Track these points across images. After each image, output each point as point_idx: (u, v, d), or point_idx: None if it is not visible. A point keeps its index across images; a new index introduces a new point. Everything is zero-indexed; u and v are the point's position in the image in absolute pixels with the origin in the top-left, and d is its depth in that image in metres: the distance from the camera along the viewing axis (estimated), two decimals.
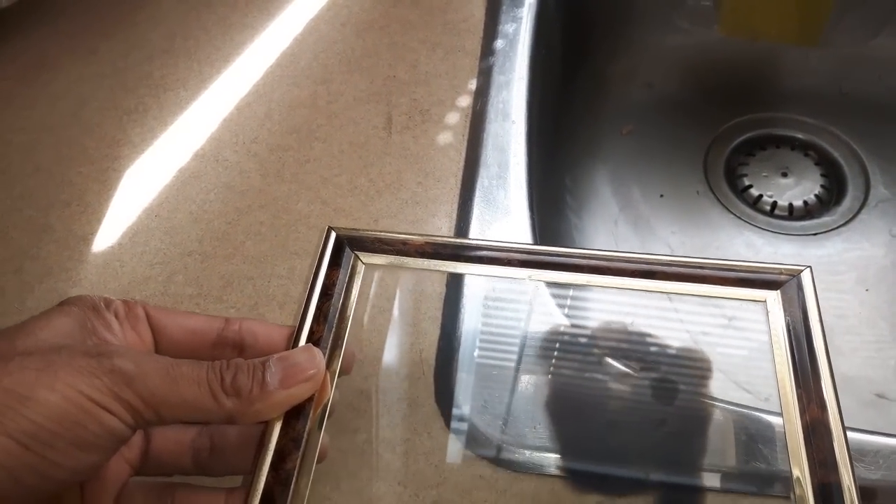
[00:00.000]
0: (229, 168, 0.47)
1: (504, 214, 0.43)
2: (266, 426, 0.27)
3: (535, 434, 0.34)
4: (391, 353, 0.38)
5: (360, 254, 0.34)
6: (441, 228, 0.42)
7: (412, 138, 0.46)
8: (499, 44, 0.50)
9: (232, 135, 0.48)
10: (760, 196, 0.65)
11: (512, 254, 0.33)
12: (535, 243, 0.42)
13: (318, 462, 0.28)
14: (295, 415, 0.28)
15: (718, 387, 0.54)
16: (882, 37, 0.69)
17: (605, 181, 0.67)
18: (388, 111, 0.48)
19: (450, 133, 0.46)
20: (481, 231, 0.42)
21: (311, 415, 0.28)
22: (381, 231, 0.34)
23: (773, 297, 0.31)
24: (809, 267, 0.31)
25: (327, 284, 0.32)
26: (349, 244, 0.34)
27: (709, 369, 0.38)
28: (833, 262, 0.60)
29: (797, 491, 0.26)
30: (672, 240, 0.63)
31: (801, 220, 0.63)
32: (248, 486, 0.26)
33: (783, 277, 0.31)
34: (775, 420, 0.35)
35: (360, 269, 0.34)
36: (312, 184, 0.45)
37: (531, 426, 0.35)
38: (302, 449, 0.27)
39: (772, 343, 0.30)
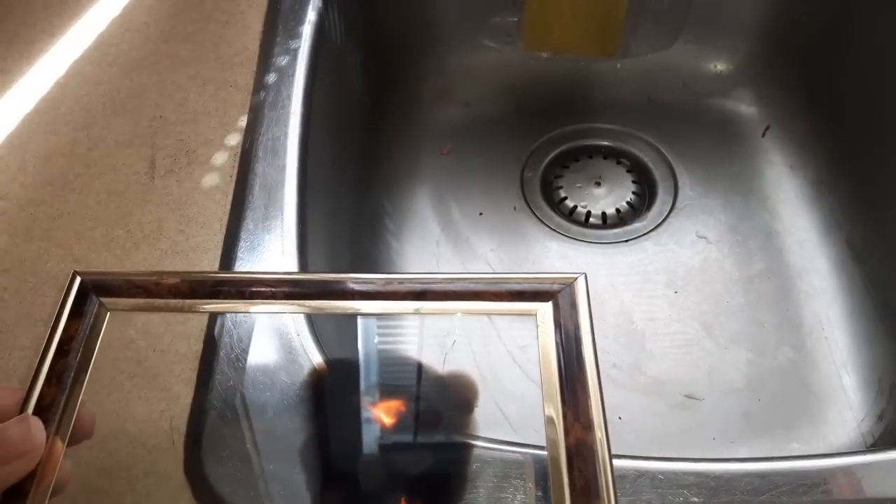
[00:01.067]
0: None
1: (270, 260, 0.40)
2: None
3: (285, 494, 0.32)
4: (138, 422, 0.35)
5: (105, 300, 0.30)
6: None
7: (176, 182, 0.44)
8: (271, 77, 0.48)
9: None
10: (575, 207, 0.65)
11: (277, 287, 0.30)
12: None
13: None
14: (13, 495, 0.25)
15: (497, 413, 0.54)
16: (681, 43, 0.71)
17: (426, 202, 0.67)
18: (152, 154, 0.45)
19: (216, 175, 0.44)
20: None
21: (31, 493, 0.25)
22: (131, 272, 0.31)
23: (545, 310, 0.29)
24: (584, 274, 0.29)
25: (65, 339, 0.28)
26: (94, 290, 0.30)
27: (474, 397, 0.37)
28: (644, 267, 0.62)
29: None
30: (491, 256, 0.63)
31: (613, 227, 0.64)
32: None
33: (556, 287, 0.29)
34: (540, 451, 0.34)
35: (105, 317, 0.30)
36: (64, 240, 0.42)
37: (281, 486, 0.33)
38: None
39: (540, 359, 0.28)
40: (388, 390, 0.37)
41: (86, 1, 0.55)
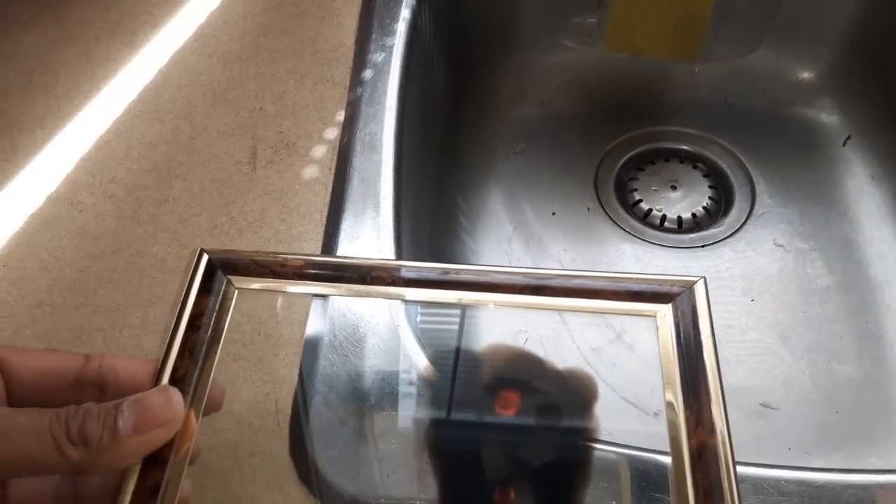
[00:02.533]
0: (84, 211, 0.44)
1: (369, 252, 0.41)
2: (122, 474, 0.26)
3: (391, 482, 0.33)
4: (244, 403, 0.36)
5: (232, 278, 0.31)
6: None
7: (277, 173, 0.45)
8: (367, 74, 0.49)
9: (89, 175, 0.46)
10: (650, 210, 0.65)
11: (396, 272, 0.31)
12: None
13: None
14: (153, 461, 0.26)
15: (616, 412, 0.54)
16: (762, 49, 0.71)
17: (499, 201, 0.67)
18: (253, 145, 0.46)
19: (316, 167, 0.45)
20: None
21: (170, 460, 0.26)
22: (256, 252, 0.32)
23: (664, 311, 0.29)
24: (703, 278, 0.29)
25: (195, 314, 0.29)
26: (221, 267, 0.31)
27: (594, 396, 0.36)
28: (720, 274, 0.61)
29: None
30: (563, 257, 0.63)
31: (689, 232, 0.64)
32: None
33: (675, 290, 0.29)
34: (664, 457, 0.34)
35: (233, 294, 0.31)
36: (170, 225, 0.43)
37: (387, 474, 0.34)
38: (160, 499, 0.25)
39: (661, 361, 0.28)
40: (486, 382, 0.38)
41: None
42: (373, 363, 0.37)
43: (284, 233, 0.42)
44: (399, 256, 0.42)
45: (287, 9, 0.54)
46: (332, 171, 0.45)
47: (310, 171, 0.45)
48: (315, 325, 0.38)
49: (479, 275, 0.30)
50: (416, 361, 0.37)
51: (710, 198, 0.66)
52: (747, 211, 0.65)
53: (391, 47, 0.50)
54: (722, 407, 0.26)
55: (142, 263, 0.42)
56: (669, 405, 0.27)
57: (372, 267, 0.31)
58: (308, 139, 0.46)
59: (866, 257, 0.60)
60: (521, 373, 0.38)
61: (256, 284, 0.31)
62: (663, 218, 0.65)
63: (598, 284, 0.30)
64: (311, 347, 0.38)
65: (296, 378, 0.37)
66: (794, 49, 0.71)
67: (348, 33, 0.52)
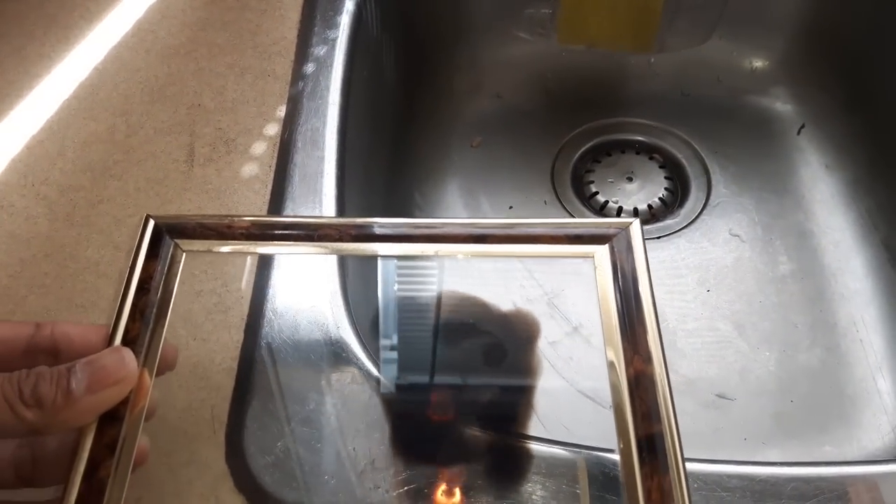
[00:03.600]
0: (15, 214, 0.43)
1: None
2: (79, 433, 0.26)
3: (330, 488, 0.32)
4: (179, 410, 0.35)
5: (180, 241, 0.31)
6: (242, 271, 0.40)
7: (215, 171, 0.44)
8: (309, 68, 0.48)
9: (20, 177, 0.44)
10: (606, 202, 0.65)
11: (344, 230, 0.31)
12: (343, 285, 0.40)
13: (137, 466, 0.27)
14: (109, 419, 0.26)
15: (572, 407, 0.54)
16: (717, 39, 0.71)
17: (456, 195, 0.66)
18: (191, 142, 0.45)
19: (255, 164, 0.44)
20: (284, 272, 0.39)
21: (126, 418, 0.27)
22: (203, 215, 0.32)
23: (602, 252, 0.30)
24: (638, 219, 0.31)
25: (144, 278, 0.30)
26: (168, 232, 0.31)
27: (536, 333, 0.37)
28: (676, 265, 0.61)
29: (622, 444, 0.26)
30: None
31: (645, 224, 0.63)
32: (59, 499, 0.25)
33: (612, 231, 0.30)
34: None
35: (181, 257, 0.31)
36: (104, 227, 0.42)
37: (325, 480, 0.33)
38: (117, 455, 0.26)
39: (599, 297, 0.29)
40: (434, 383, 0.37)
41: None
42: (312, 367, 0.36)
43: None
44: (341, 261, 0.41)
45: (227, 2, 0.53)
46: (273, 168, 0.43)
47: (249, 169, 0.43)
48: (252, 328, 0.37)
49: (425, 228, 0.31)
50: (358, 363, 0.36)
51: (666, 188, 0.66)
52: (703, 201, 0.65)
53: (334, 40, 0.49)
54: (658, 338, 0.27)
55: (74, 268, 0.40)
56: (608, 344, 0.28)
57: (319, 225, 0.32)
58: (248, 136, 0.45)
59: (820, 246, 0.61)
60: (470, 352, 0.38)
61: (203, 246, 0.31)
62: (619, 210, 0.64)
63: (538, 230, 0.31)
64: (248, 352, 0.36)
65: (232, 384, 0.36)
66: (748, 38, 0.71)
67: (290, 26, 0.51)
